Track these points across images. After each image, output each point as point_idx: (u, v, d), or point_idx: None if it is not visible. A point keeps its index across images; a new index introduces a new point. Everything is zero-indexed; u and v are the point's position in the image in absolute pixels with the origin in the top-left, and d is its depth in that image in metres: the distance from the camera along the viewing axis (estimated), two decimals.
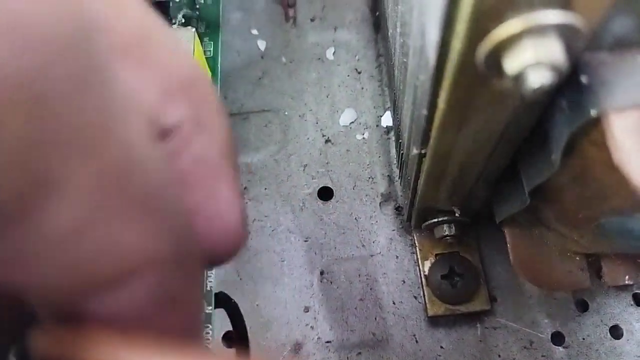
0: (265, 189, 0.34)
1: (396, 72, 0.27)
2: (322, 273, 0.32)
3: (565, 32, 0.12)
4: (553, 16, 0.12)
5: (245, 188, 0.34)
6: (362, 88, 0.36)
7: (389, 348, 0.31)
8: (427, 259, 0.31)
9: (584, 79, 0.14)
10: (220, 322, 0.30)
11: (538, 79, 0.12)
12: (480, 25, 0.12)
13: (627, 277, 0.26)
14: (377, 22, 0.37)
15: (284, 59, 0.37)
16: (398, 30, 0.24)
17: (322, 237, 0.33)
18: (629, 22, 0.13)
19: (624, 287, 0.30)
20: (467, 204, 0.27)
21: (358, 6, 0.38)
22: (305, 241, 0.33)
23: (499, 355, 0.30)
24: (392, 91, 0.32)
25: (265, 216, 0.33)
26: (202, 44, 0.31)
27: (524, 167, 0.21)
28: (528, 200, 0.21)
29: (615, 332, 0.31)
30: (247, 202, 0.34)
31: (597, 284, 0.28)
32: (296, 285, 0.32)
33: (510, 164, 0.22)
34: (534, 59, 0.12)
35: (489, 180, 0.23)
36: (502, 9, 0.12)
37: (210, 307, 0.28)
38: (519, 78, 0.12)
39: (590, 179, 0.18)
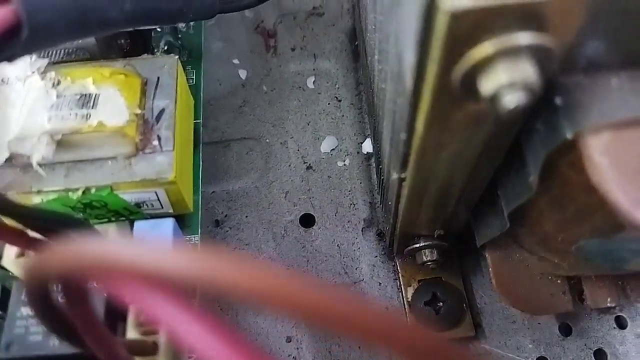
0: (247, 216, 0.34)
1: (375, 99, 0.28)
2: None
3: (539, 53, 0.12)
4: (526, 38, 0.12)
5: (225, 216, 0.34)
6: (343, 115, 0.36)
7: None
8: (410, 285, 0.31)
9: (558, 100, 0.14)
10: None
11: (512, 99, 0.12)
12: (455, 48, 0.12)
13: (609, 299, 0.26)
14: (357, 50, 0.38)
15: (264, 88, 0.37)
16: (376, 57, 0.24)
17: (304, 264, 0.32)
18: (600, 45, 0.14)
19: (607, 310, 0.30)
20: (448, 228, 0.27)
21: (337, 36, 0.39)
22: (287, 269, 0.32)
23: None
24: (372, 118, 0.32)
25: (247, 244, 0.33)
26: (184, 72, 0.31)
27: (503, 190, 0.21)
28: (507, 224, 0.21)
29: (600, 355, 0.30)
30: (227, 230, 0.33)
31: (580, 307, 0.28)
32: (278, 315, 0.31)
33: (489, 188, 0.22)
34: (508, 80, 0.12)
35: (469, 203, 0.23)
36: (476, 32, 0.12)
37: None
38: (494, 99, 0.12)
39: (569, 200, 0.18)
